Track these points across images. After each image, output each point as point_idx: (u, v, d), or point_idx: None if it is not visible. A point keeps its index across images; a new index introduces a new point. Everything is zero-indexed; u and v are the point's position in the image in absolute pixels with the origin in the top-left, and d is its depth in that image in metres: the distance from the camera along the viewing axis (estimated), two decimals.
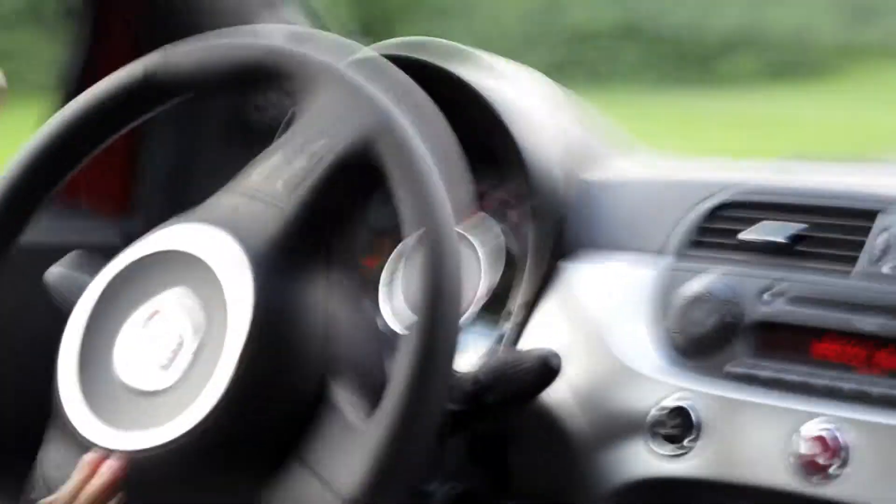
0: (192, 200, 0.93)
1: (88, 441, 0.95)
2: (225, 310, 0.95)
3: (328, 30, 1.53)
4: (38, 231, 1.09)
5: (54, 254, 1.14)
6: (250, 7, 1.51)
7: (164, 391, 0.95)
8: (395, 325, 1.30)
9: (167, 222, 1.02)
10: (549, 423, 1.15)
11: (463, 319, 0.93)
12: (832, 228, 1.15)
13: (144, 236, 1.01)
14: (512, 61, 1.29)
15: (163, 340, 0.96)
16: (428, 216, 0.93)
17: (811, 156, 1.33)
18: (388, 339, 1.04)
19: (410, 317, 0.92)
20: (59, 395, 0.97)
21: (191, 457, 0.93)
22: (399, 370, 0.90)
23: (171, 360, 0.95)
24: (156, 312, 0.97)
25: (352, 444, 0.91)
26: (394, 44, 1.24)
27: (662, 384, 1.13)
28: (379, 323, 1.29)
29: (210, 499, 0.94)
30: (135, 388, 0.96)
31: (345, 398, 0.94)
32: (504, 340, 1.21)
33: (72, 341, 0.99)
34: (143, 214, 1.53)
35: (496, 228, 1.30)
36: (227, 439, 0.93)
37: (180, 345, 0.96)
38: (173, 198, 1.53)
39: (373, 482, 0.89)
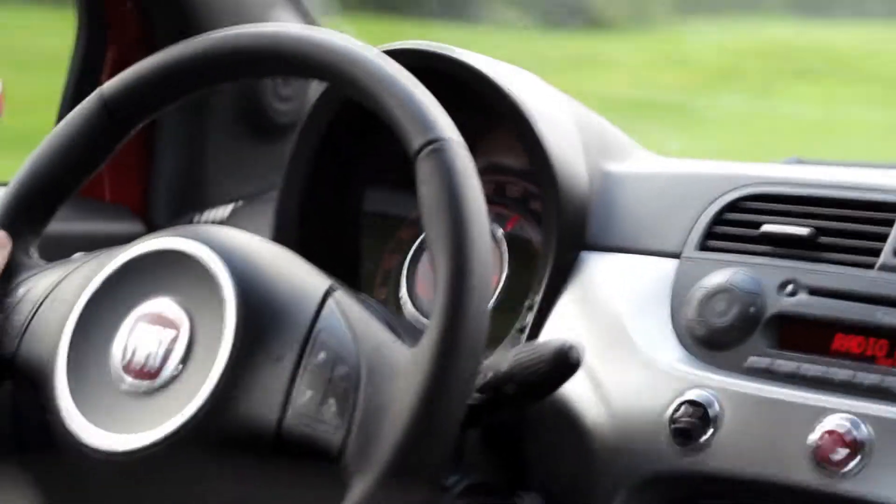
0: (205, 192, 0.94)
1: (81, 441, 0.95)
2: (221, 307, 0.95)
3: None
4: (60, 221, 1.10)
5: (77, 244, 1.14)
6: (255, 4, 1.51)
7: (158, 390, 0.95)
8: (416, 315, 1.30)
9: (162, 229, 1.03)
10: (567, 415, 1.15)
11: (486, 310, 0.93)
12: (855, 221, 1.15)
13: (138, 239, 1.01)
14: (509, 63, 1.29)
15: (156, 340, 0.96)
16: (455, 206, 0.93)
17: (817, 158, 1.33)
18: (407, 328, 1.04)
19: (433, 305, 0.92)
20: (54, 395, 0.98)
21: (186, 454, 0.93)
22: (422, 360, 0.90)
23: (164, 359, 0.95)
24: (149, 312, 0.97)
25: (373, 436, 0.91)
26: (398, 46, 1.24)
27: (682, 377, 1.12)
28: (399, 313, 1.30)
29: (205, 495, 0.95)
30: (128, 388, 0.96)
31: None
32: (524, 332, 1.21)
33: (63, 342, 0.99)
34: (159, 206, 1.54)
35: (517, 219, 1.30)
36: (223, 434, 0.93)
37: (174, 343, 0.96)
38: (187, 190, 1.54)
39: (393, 471, 0.89)
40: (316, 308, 0.96)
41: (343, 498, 0.90)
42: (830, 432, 1.05)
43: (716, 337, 1.13)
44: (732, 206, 1.20)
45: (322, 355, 0.94)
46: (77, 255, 1.08)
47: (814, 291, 1.12)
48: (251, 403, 0.93)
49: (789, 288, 1.13)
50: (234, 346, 0.94)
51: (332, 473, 0.92)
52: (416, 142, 0.95)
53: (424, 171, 0.94)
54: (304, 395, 0.93)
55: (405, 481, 0.90)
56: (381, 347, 0.94)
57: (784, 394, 1.09)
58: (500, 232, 1.29)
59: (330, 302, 0.97)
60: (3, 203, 1.07)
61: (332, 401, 0.92)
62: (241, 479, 0.95)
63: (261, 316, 0.95)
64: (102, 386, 0.97)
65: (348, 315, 0.96)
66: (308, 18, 1.57)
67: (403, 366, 0.92)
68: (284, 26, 1.03)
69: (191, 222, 1.50)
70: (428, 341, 0.91)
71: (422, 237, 1.32)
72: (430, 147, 0.94)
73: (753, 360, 1.12)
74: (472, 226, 0.93)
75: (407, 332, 1.02)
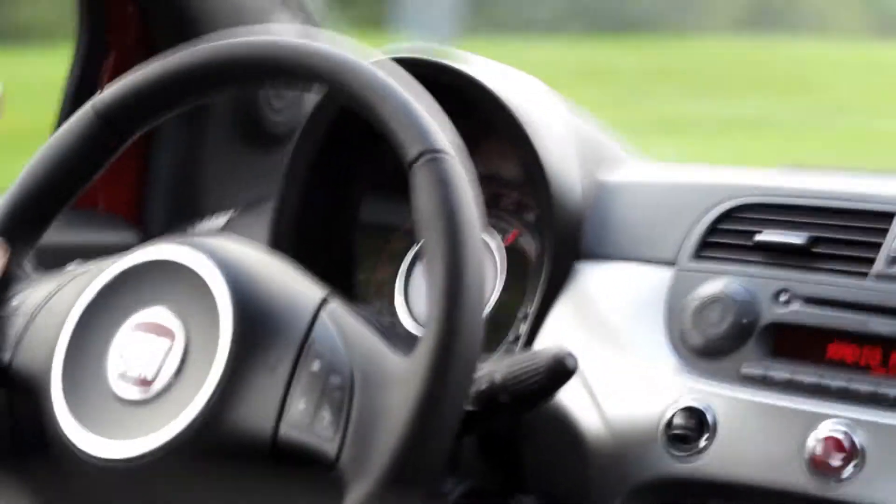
0: (201, 202, 0.94)
1: (77, 449, 0.95)
2: (216, 316, 0.95)
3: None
4: (55, 232, 1.09)
5: (72, 255, 1.14)
6: (257, 7, 1.52)
7: (153, 399, 0.95)
8: (411, 324, 1.30)
9: (157, 238, 1.03)
10: (563, 423, 1.15)
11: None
12: (849, 230, 1.15)
13: (133, 248, 1.01)
14: (511, 67, 1.29)
15: (151, 350, 0.96)
16: (450, 215, 0.93)
17: (813, 165, 1.33)
18: (402, 338, 1.04)
19: (427, 314, 0.92)
20: (49, 405, 0.98)
21: (181, 463, 0.93)
22: (416, 370, 0.90)
23: (159, 368, 0.95)
24: (145, 321, 0.97)
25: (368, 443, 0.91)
26: (394, 54, 1.24)
27: (677, 385, 1.12)
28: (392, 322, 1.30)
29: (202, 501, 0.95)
30: (123, 397, 0.96)
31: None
32: (519, 341, 1.21)
33: (59, 351, 0.99)
34: (154, 216, 1.54)
35: (511, 229, 1.30)
36: (218, 443, 0.93)
37: (169, 352, 0.96)
38: (183, 199, 1.54)
39: (388, 480, 0.89)
40: (310, 318, 0.96)
41: None
42: (826, 438, 1.06)
43: (711, 346, 1.14)
44: (727, 216, 1.20)
45: (316, 365, 0.94)
46: (71, 265, 1.08)
47: (808, 300, 1.13)
48: (246, 412, 0.93)
49: (783, 297, 1.13)
50: (230, 355, 0.94)
51: (328, 482, 0.92)
52: (411, 151, 0.95)
53: (420, 181, 0.94)
54: (298, 404, 0.93)
55: (401, 489, 0.90)
56: (375, 357, 0.95)
57: (779, 401, 1.09)
58: (495, 242, 1.30)
59: (324, 312, 0.97)
60: None
61: (326, 410, 0.92)
62: (236, 488, 0.95)
63: (256, 325, 0.95)
64: (98, 395, 0.97)
65: (342, 325, 0.96)
66: (308, 22, 1.57)
67: (398, 375, 0.92)
68: (281, 35, 1.04)
69: (186, 231, 1.50)
70: (422, 351, 0.91)
71: (417, 246, 1.32)
72: (426, 157, 0.95)
73: (748, 369, 1.12)
74: (467, 235, 0.93)
75: (401, 341, 1.02)
